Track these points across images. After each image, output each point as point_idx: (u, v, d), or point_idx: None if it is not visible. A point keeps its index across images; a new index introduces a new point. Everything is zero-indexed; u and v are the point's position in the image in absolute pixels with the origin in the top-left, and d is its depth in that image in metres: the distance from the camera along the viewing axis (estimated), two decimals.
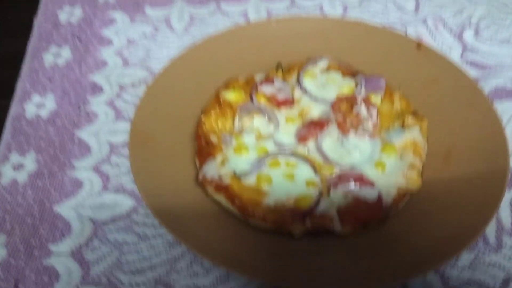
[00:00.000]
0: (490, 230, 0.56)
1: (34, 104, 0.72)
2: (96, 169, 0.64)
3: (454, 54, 0.78)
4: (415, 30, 0.81)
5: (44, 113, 0.71)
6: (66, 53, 0.81)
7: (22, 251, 0.56)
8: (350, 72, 0.68)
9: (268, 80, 0.66)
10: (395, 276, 0.48)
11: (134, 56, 0.79)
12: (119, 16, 0.87)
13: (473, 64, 0.76)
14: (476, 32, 0.81)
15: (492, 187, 0.54)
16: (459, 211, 0.54)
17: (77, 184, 0.62)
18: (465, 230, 0.51)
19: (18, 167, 0.64)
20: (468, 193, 0.55)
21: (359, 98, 0.63)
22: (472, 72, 0.75)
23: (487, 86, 0.72)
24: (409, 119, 0.61)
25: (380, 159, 0.57)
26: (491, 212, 0.52)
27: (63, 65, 0.78)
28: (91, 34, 0.84)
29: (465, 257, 0.54)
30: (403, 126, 0.61)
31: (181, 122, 0.64)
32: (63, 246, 0.56)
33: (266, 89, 0.65)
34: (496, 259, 0.54)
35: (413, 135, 0.59)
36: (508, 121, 0.68)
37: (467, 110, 0.64)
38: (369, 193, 0.54)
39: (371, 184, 0.55)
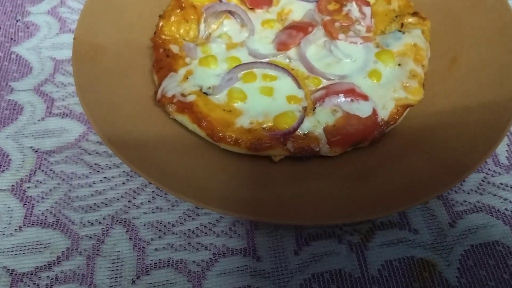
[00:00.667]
0: (501, 147, 0.48)
1: None
2: (38, 91, 0.54)
3: None
4: None
5: None
6: None
7: None
8: None
9: None
10: (391, 205, 0.40)
11: None
12: None
13: None
14: None
15: (502, 100, 0.46)
16: (466, 128, 0.45)
17: (16, 109, 0.52)
18: (472, 150, 0.43)
19: None
20: (476, 106, 0.47)
21: None
22: None
23: None
24: (409, 20, 0.51)
25: (375, 68, 0.48)
26: (503, 129, 0.43)
27: None
28: None
29: (472, 179, 0.47)
30: (401, 28, 0.51)
31: (135, 29, 0.53)
32: (2, 182, 0.47)
33: None
34: (507, 180, 0.46)
35: (414, 39, 0.49)
36: None
37: (476, 6, 0.53)
38: (361, 108, 0.45)
39: (364, 97, 0.46)
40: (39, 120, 0.51)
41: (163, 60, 0.49)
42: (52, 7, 0.61)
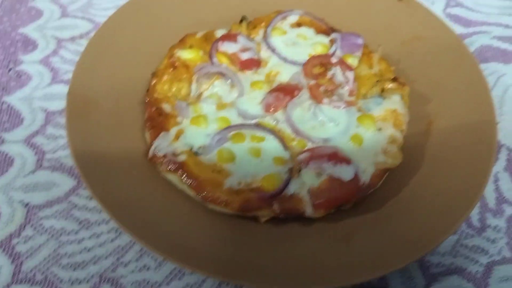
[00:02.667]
0: (474, 211, 0.51)
1: None
2: (29, 142, 0.55)
3: (437, 7, 0.71)
4: None
5: None
6: None
7: None
8: (324, 29, 0.60)
9: (231, 36, 0.57)
10: (372, 270, 0.43)
11: (74, 4, 0.68)
12: None
13: (458, 19, 0.69)
14: None
15: (477, 162, 0.49)
16: (442, 191, 0.48)
17: (6, 161, 0.53)
18: (449, 215, 0.46)
19: None
20: (451, 170, 0.50)
21: (334, 60, 0.55)
22: (456, 28, 0.68)
23: (473, 45, 0.66)
24: (389, 86, 0.54)
25: (357, 132, 0.51)
26: (477, 193, 0.46)
27: None
28: None
29: (447, 241, 0.49)
30: (382, 93, 0.54)
31: (128, 85, 0.55)
32: None
33: (228, 48, 0.56)
34: (479, 243, 0.49)
35: (393, 104, 0.52)
36: (494, 84, 0.62)
37: (452, 73, 0.57)
38: (344, 172, 0.47)
39: (346, 161, 0.48)
40: (29, 173, 0.52)
41: (155, 119, 0.51)
42: (45, 56, 0.63)
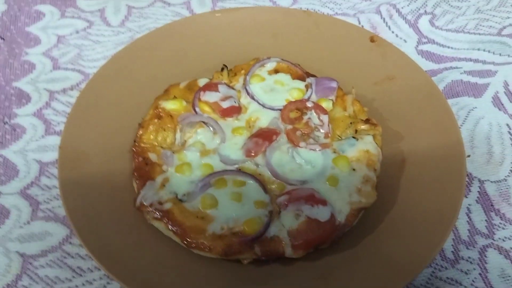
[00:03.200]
0: (447, 243, 0.54)
1: None
2: (24, 194, 0.57)
3: (409, 44, 0.74)
4: (368, 19, 0.76)
5: None
6: None
7: None
8: (300, 74, 0.64)
9: (212, 86, 0.61)
10: None
11: (65, 56, 0.72)
12: (47, 10, 0.79)
13: (429, 55, 0.73)
14: (432, 20, 0.77)
15: (448, 198, 0.52)
16: (416, 226, 0.51)
17: (3, 213, 0.56)
18: (422, 248, 0.49)
19: None
20: (424, 205, 0.53)
21: (310, 104, 0.58)
22: (427, 65, 0.72)
23: (444, 81, 0.69)
24: (362, 127, 0.57)
25: (332, 173, 0.54)
26: (448, 226, 0.50)
27: None
28: (16, 32, 0.76)
29: (422, 274, 0.52)
30: (355, 134, 0.57)
31: (116, 135, 0.59)
32: None
33: (210, 97, 0.59)
34: (453, 275, 0.52)
35: (366, 145, 0.56)
36: (465, 118, 0.65)
37: (423, 111, 0.61)
38: (321, 213, 0.50)
39: (323, 202, 0.51)
40: (24, 223, 0.55)
41: (142, 169, 0.54)
42: (38, 108, 0.66)
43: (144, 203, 0.51)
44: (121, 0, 0.80)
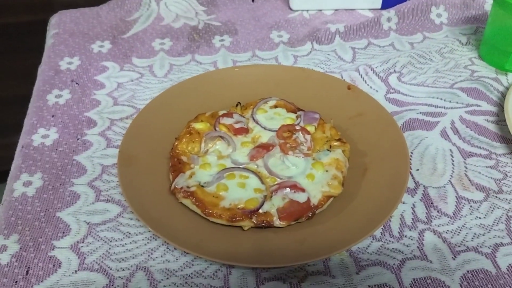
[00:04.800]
0: (395, 225, 0.73)
1: (39, 135, 0.89)
2: (91, 185, 0.80)
3: (380, 93, 0.97)
4: (349, 75, 1.00)
5: (48, 142, 0.88)
6: (66, 95, 0.98)
7: (31, 245, 0.71)
8: (293, 109, 0.87)
9: (229, 114, 0.84)
10: (318, 255, 0.65)
11: (122, 96, 0.98)
12: (110, 65, 1.06)
13: (395, 101, 0.96)
14: (399, 77, 1.01)
15: (394, 193, 0.72)
16: (369, 210, 0.71)
17: (75, 196, 0.78)
18: (371, 223, 0.68)
19: (27, 184, 0.80)
20: (376, 198, 0.73)
21: (298, 127, 0.81)
22: (392, 108, 0.94)
23: (403, 118, 0.91)
24: (335, 143, 0.79)
25: (311, 172, 0.75)
26: (390, 210, 0.69)
27: (64, 104, 0.96)
28: (87, 79, 1.02)
29: (374, 245, 0.70)
30: (330, 148, 0.79)
31: (159, 146, 0.82)
32: (64, 243, 0.71)
33: (227, 121, 0.83)
34: (397, 246, 0.70)
35: (337, 155, 0.77)
36: (418, 144, 0.86)
37: (383, 137, 0.82)
38: (300, 197, 0.71)
39: (302, 190, 0.72)
40: (90, 203, 0.77)
41: (176, 166, 0.76)
42: (102, 130, 0.90)
43: (177, 187, 0.73)
44: (165, 59, 1.07)
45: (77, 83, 1.01)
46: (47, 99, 0.98)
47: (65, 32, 1.16)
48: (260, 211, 0.70)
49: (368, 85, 0.99)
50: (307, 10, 1.22)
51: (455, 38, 1.12)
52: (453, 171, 0.81)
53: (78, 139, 0.88)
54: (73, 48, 1.11)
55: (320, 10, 1.22)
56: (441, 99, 0.96)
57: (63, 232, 0.73)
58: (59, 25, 1.18)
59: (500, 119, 0.91)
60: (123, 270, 0.68)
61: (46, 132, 0.90)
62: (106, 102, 0.96)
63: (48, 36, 1.17)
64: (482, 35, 1.11)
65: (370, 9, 1.22)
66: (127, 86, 1.00)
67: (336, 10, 1.22)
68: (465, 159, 0.84)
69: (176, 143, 0.80)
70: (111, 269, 0.68)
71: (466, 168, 0.82)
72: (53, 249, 0.71)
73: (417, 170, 0.82)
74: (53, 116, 0.93)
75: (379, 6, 1.22)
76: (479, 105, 0.94)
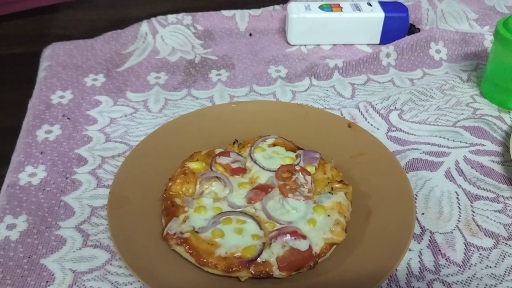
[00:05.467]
0: (401, 274, 0.69)
1: (27, 173, 0.85)
2: (78, 228, 0.75)
3: (381, 131, 0.95)
4: (349, 112, 0.98)
5: (35, 181, 0.83)
6: (56, 131, 0.95)
7: None
8: (292, 148, 0.84)
9: (225, 153, 0.81)
10: None
11: (115, 132, 0.94)
12: (103, 99, 1.03)
13: (396, 140, 0.93)
14: (400, 114, 0.99)
15: (400, 240, 0.68)
16: (374, 258, 0.67)
17: (61, 241, 0.73)
18: (377, 274, 0.64)
19: (11, 227, 0.75)
20: (382, 245, 0.69)
21: (298, 168, 0.77)
22: (395, 146, 0.91)
23: (406, 158, 0.88)
24: (337, 186, 0.76)
25: (312, 217, 0.71)
26: (397, 259, 0.65)
27: (54, 140, 0.92)
28: (79, 114, 0.99)
29: None
30: (331, 190, 0.75)
31: (152, 187, 0.78)
32: None
33: (223, 160, 0.79)
34: None
35: (339, 198, 0.73)
36: (422, 186, 0.83)
37: (386, 178, 0.79)
38: (301, 244, 0.67)
39: (303, 236, 0.68)
40: (77, 249, 0.72)
41: (170, 209, 0.72)
42: (92, 169, 0.86)
43: (170, 232, 0.69)
44: (160, 94, 1.05)
45: (68, 118, 0.98)
46: (36, 134, 0.94)
47: (58, 65, 1.13)
48: (259, 260, 0.66)
49: (368, 122, 0.97)
50: (305, 45, 1.20)
51: (455, 74, 1.10)
52: (460, 215, 0.78)
53: (67, 178, 0.84)
54: (66, 81, 1.08)
55: (318, 45, 1.20)
56: (444, 138, 0.93)
57: (47, 281, 0.68)
58: (52, 57, 1.16)
59: (505, 160, 0.88)
60: None
61: (33, 170, 0.86)
62: (98, 138, 0.93)
63: (41, 69, 1.14)
64: (483, 72, 1.10)
65: (368, 45, 1.21)
66: (120, 121, 0.97)
67: (334, 45, 1.21)
68: (471, 202, 0.80)
69: (170, 184, 0.76)
70: None
71: (474, 212, 0.78)
72: None
73: (423, 214, 0.78)
74: (41, 153, 0.89)
75: (378, 41, 1.20)
76: (483, 145, 0.91)
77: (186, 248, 0.67)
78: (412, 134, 0.94)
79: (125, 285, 0.68)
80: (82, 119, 0.98)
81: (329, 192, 0.75)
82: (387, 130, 0.95)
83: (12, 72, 1.19)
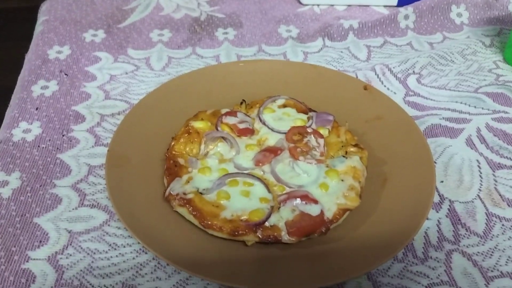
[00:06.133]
0: (419, 244, 0.64)
1: (21, 129, 0.80)
2: (75, 187, 0.71)
3: (398, 96, 0.89)
4: (364, 74, 0.92)
5: (30, 137, 0.79)
6: (53, 86, 0.89)
7: (2, 256, 0.62)
8: (304, 109, 0.78)
9: (232, 112, 0.75)
10: (332, 278, 0.56)
11: (115, 90, 0.89)
12: (103, 56, 0.97)
13: (414, 105, 0.87)
14: (419, 79, 0.93)
15: (418, 208, 0.63)
16: (390, 227, 0.62)
17: (57, 200, 0.69)
18: (393, 244, 0.59)
19: (3, 184, 0.71)
20: (398, 213, 0.64)
21: (310, 130, 0.72)
22: (412, 112, 0.85)
23: (425, 124, 0.82)
24: (351, 149, 0.70)
25: (324, 181, 0.66)
26: (415, 229, 0.60)
27: (50, 96, 0.87)
28: (77, 70, 0.93)
29: (395, 267, 0.62)
30: (346, 154, 0.70)
31: (153, 146, 0.73)
32: (41, 253, 0.62)
33: (230, 120, 0.74)
34: (422, 269, 0.61)
35: (353, 162, 0.68)
36: (441, 153, 0.78)
37: (404, 144, 0.74)
38: (312, 209, 0.62)
39: (315, 201, 0.63)
40: (73, 209, 0.68)
41: (172, 169, 0.68)
42: (90, 126, 0.81)
43: (172, 193, 0.64)
44: (163, 51, 0.99)
45: (66, 74, 0.92)
46: (31, 90, 0.88)
47: (56, 19, 1.07)
48: (266, 224, 0.61)
49: (385, 86, 0.91)
50: (318, 5, 1.13)
51: (477, 39, 1.03)
52: (481, 184, 0.73)
53: (63, 135, 0.79)
54: (64, 36, 1.02)
55: (332, 5, 1.13)
56: (465, 104, 0.87)
57: (40, 241, 0.64)
58: (50, 11, 1.09)
59: None
60: (107, 287, 0.59)
61: (28, 126, 0.81)
62: (97, 95, 0.87)
63: (38, 23, 1.08)
64: (506, 38, 1.03)
65: (385, 6, 1.14)
66: (120, 79, 0.91)
67: (349, 5, 1.14)
68: (494, 171, 0.75)
69: (173, 143, 0.71)
70: (92, 286, 0.59)
71: (496, 181, 0.73)
72: (27, 261, 0.61)
73: (442, 182, 0.73)
74: (37, 109, 0.84)
75: (395, 3, 1.13)
76: (506, 112, 0.86)
77: (190, 209, 0.62)
78: (431, 100, 0.89)
79: (124, 247, 0.64)
80: (81, 76, 0.92)
81: (343, 156, 0.70)
82: (405, 94, 0.89)
83: (8, 28, 1.13)
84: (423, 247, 0.64)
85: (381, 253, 0.59)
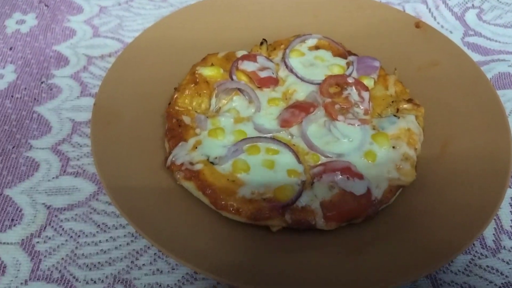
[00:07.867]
0: (488, 230, 0.51)
1: None
2: (55, 149, 0.57)
3: (455, 35, 0.72)
4: (414, 8, 0.74)
5: (2, 85, 0.64)
6: (31, 20, 0.73)
7: None
8: (342, 52, 0.62)
9: (250, 56, 0.60)
10: (381, 281, 0.43)
11: (105, 25, 0.73)
12: None
13: (475, 47, 0.71)
14: (479, 14, 0.75)
15: (491, 184, 0.49)
16: (455, 210, 0.48)
17: (33, 166, 0.56)
18: (461, 232, 0.46)
19: None
20: (465, 190, 0.50)
21: (350, 80, 0.56)
22: (474, 55, 0.69)
23: (490, 72, 0.67)
24: (404, 106, 0.55)
25: (371, 149, 0.52)
26: (490, 213, 0.46)
27: (27, 33, 0.71)
28: (60, 0, 0.76)
29: (460, 260, 0.49)
30: (397, 113, 0.55)
31: (151, 99, 0.58)
32: (12, 235, 0.50)
33: (248, 66, 0.58)
34: (494, 263, 0.48)
35: (408, 124, 0.53)
36: (510, 112, 0.62)
37: (468, 97, 0.58)
38: (357, 186, 0.48)
39: (359, 176, 0.49)
40: (53, 178, 0.55)
41: (175, 130, 0.53)
42: (75, 71, 0.66)
43: (175, 162, 0.50)
44: None
45: (46, 5, 0.76)
46: (5, 25, 0.73)
47: None
48: (296, 205, 0.47)
49: (438, 23, 0.74)
50: None
51: None
52: None
53: (42, 82, 0.65)
54: None
55: None
56: None
57: (12, 220, 0.51)
58: None
59: None
60: (95, 283, 0.46)
61: (0, 70, 0.66)
62: (84, 32, 0.72)
63: None
64: None
65: None
66: (112, 11, 0.75)
67: None
68: None
69: (176, 96, 0.56)
70: (77, 280, 0.47)
71: None
72: None
73: None
74: (11, 48, 0.69)
75: None
76: None
77: (198, 184, 0.49)
78: (496, 41, 0.72)
79: (116, 228, 0.51)
80: (64, 7, 0.75)
81: (394, 115, 0.55)
82: (463, 34, 0.72)
83: None
84: (494, 234, 0.51)
85: (445, 247, 0.45)
